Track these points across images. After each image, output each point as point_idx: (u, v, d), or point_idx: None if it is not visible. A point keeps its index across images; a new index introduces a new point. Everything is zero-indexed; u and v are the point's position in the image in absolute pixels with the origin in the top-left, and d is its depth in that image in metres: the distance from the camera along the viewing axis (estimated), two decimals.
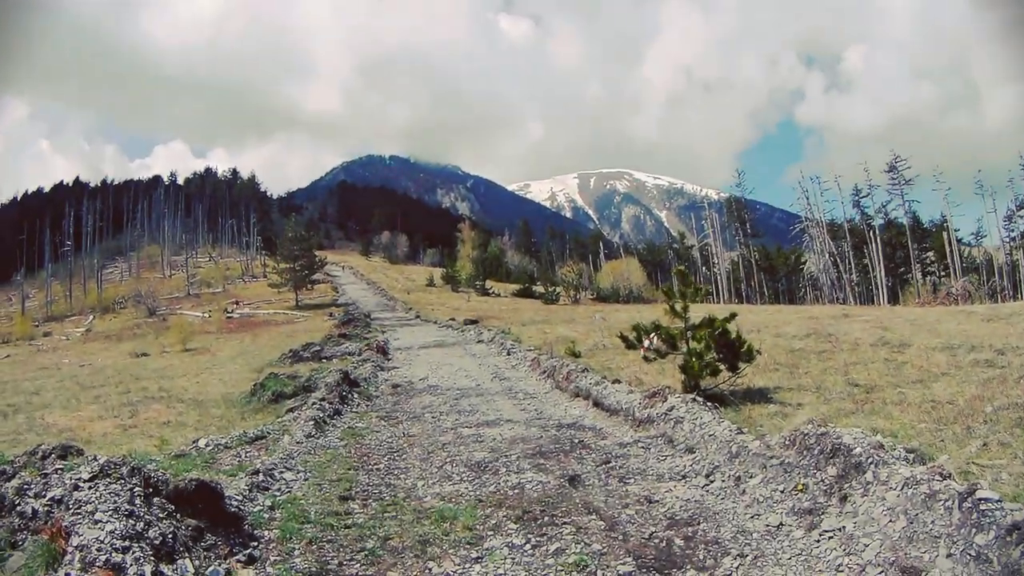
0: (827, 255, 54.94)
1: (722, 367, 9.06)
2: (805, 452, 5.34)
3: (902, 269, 54.99)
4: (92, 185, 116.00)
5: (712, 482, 5.78)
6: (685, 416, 7.37)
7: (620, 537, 4.68)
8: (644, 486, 5.83)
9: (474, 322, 26.99)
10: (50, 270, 67.64)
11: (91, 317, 50.78)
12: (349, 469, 6.56)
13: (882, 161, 54.75)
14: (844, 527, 4.44)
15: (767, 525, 4.79)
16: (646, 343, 9.22)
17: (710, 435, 6.62)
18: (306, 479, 6.15)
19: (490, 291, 53.75)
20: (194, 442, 7.84)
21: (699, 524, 4.89)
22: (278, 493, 5.64)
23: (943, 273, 54.09)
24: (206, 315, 43.61)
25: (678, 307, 9.00)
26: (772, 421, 7.73)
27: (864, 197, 57.24)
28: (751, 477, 5.53)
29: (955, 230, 52.14)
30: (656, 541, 4.61)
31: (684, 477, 6.03)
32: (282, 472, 6.19)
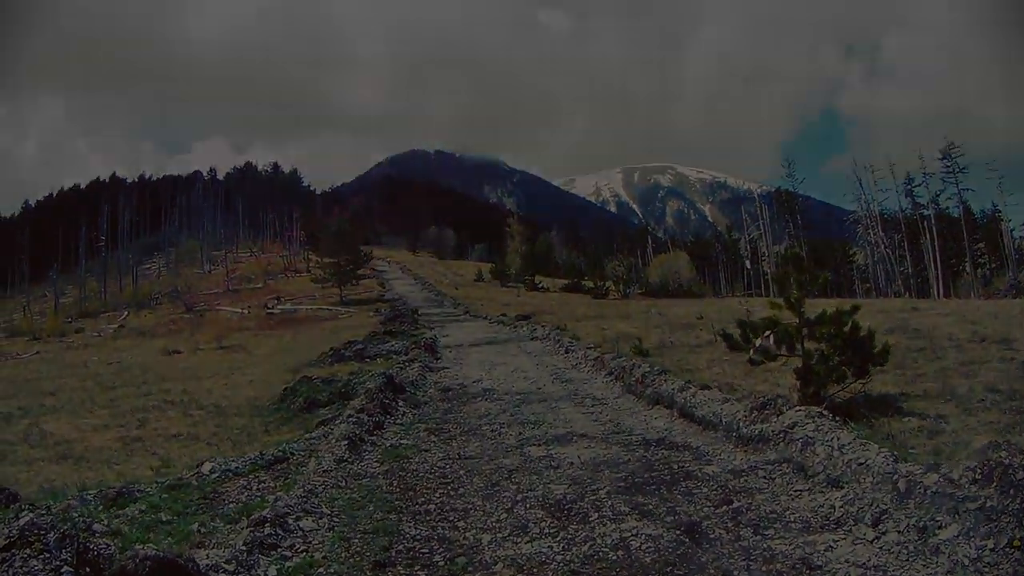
0: (882, 247, 52.30)
1: (848, 372, 7.29)
2: (1013, 491, 3.79)
3: (953, 261, 52.25)
4: (129, 181, 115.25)
5: (884, 534, 4.12)
6: (815, 436, 5.67)
7: None
8: (790, 540, 4.15)
9: (526, 318, 25.34)
10: (85, 266, 67.16)
11: (125, 313, 50.06)
12: (389, 512, 4.94)
13: (926, 150, 52.05)
14: None
15: None
16: (758, 342, 7.43)
17: (859, 463, 4.93)
18: (331, 528, 4.55)
19: (539, 286, 52.34)
20: (197, 467, 6.30)
21: None
22: (289, 554, 4.05)
23: (995, 265, 51.82)
24: (245, 311, 42.62)
25: (794, 299, 7.22)
26: (919, 440, 5.95)
27: (918, 186, 54.43)
28: (940, 527, 3.93)
29: (1007, 220, 49.64)
30: None
31: (839, 525, 4.36)
32: (299, 518, 4.59)
